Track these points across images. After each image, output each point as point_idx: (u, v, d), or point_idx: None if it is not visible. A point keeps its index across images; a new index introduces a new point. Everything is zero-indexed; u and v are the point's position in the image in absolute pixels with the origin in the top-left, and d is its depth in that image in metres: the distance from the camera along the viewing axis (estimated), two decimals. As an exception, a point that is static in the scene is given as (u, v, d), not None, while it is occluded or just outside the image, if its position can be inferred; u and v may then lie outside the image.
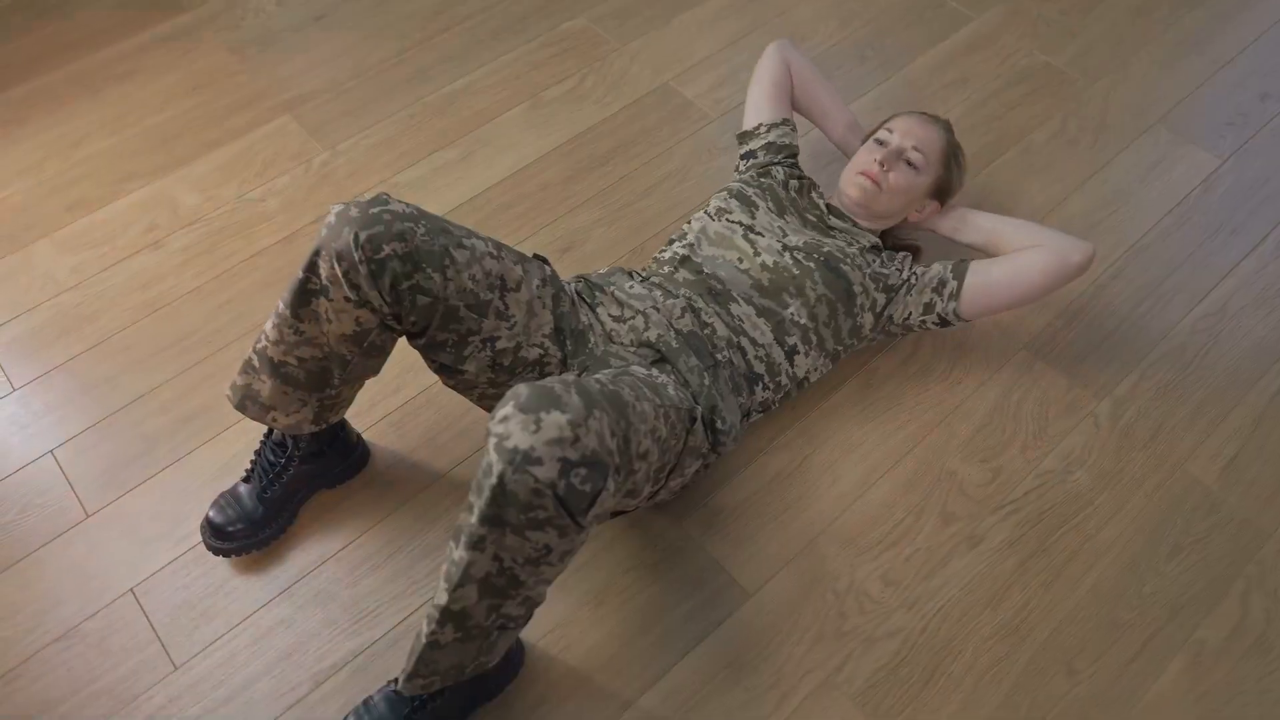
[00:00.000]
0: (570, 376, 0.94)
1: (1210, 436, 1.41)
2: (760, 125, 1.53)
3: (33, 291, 1.58)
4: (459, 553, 0.92)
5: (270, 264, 1.61)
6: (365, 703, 1.12)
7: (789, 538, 1.32)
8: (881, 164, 1.37)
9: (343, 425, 1.31)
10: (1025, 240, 1.36)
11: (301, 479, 1.28)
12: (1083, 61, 1.93)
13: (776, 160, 1.49)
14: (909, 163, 1.37)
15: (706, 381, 1.19)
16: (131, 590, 1.27)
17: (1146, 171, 1.75)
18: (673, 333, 1.22)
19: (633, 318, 1.24)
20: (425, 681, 1.01)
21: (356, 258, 1.02)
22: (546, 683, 1.19)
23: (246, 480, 1.27)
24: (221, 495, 1.28)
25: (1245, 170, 1.75)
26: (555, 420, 0.86)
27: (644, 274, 1.34)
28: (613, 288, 1.28)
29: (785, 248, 1.34)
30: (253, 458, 1.29)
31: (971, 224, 1.44)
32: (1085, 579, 1.28)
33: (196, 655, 1.22)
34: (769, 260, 1.32)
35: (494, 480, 0.87)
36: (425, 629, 0.98)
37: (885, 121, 1.46)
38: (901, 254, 1.41)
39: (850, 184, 1.40)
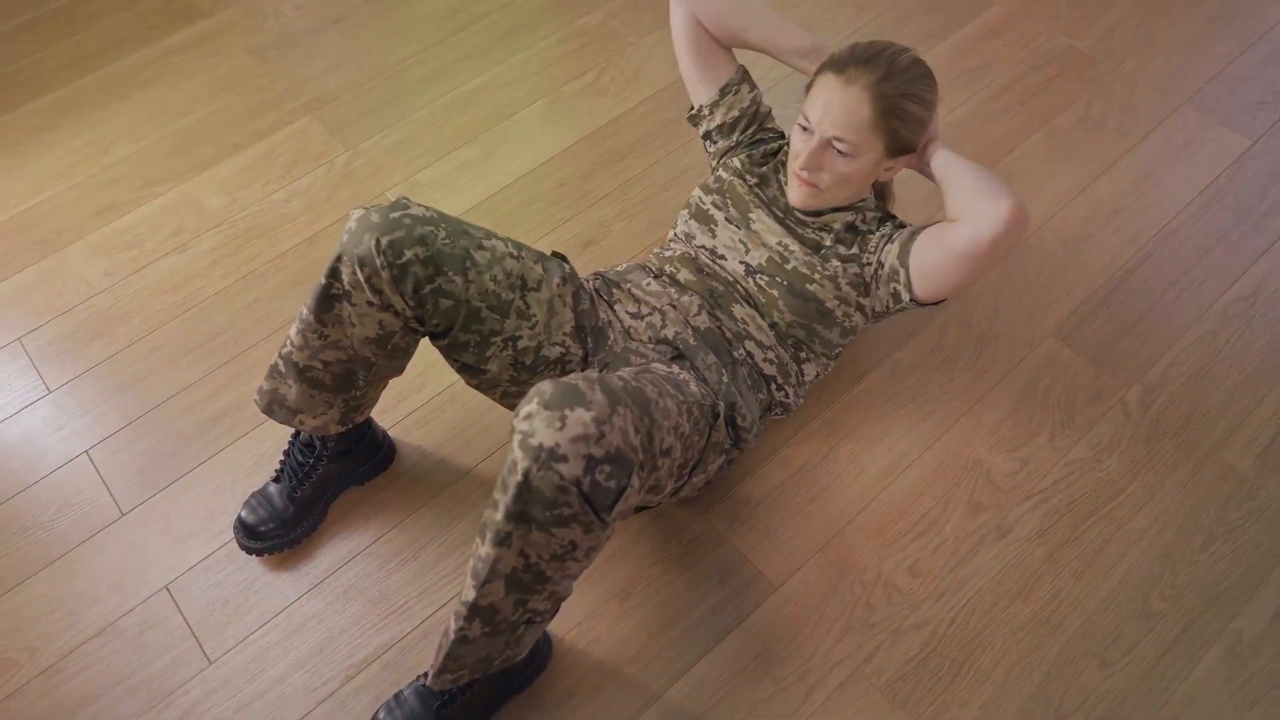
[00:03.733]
0: (594, 373, 0.94)
1: (1244, 422, 1.39)
2: (701, 108, 1.37)
3: (66, 295, 1.61)
4: (485, 549, 0.93)
5: (295, 264, 1.63)
6: (396, 697, 1.13)
7: (815, 529, 1.31)
8: (808, 168, 1.19)
9: (369, 423, 1.33)
10: (954, 206, 1.14)
11: (330, 477, 1.30)
12: (1107, 43, 1.90)
13: (734, 142, 1.36)
14: (839, 152, 1.17)
15: (725, 379, 1.19)
16: (166, 587, 1.29)
17: (1175, 154, 1.71)
18: (690, 330, 1.22)
19: (650, 314, 1.24)
20: (454, 676, 1.02)
21: (379, 263, 1.03)
22: (575, 675, 1.20)
23: (276, 480, 1.29)
24: (253, 495, 1.30)
25: (1277, 151, 1.71)
26: (580, 417, 0.87)
27: (657, 270, 1.33)
28: (629, 285, 1.28)
29: (748, 270, 1.26)
30: (282, 458, 1.31)
31: (936, 175, 1.21)
32: (1117, 568, 1.27)
33: (230, 650, 1.24)
34: (740, 285, 1.27)
35: (519, 477, 0.88)
36: (453, 625, 0.99)
37: (813, 80, 1.21)
38: (880, 231, 1.25)
39: (791, 188, 1.24)
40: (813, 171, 1.20)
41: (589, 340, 1.22)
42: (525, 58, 1.94)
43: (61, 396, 1.49)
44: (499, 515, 0.90)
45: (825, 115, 1.16)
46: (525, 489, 0.88)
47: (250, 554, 1.28)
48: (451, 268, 1.06)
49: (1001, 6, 1.98)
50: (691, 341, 1.21)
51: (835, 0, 2.01)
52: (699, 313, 1.25)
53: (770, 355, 1.27)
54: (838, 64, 1.17)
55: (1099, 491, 1.33)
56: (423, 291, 1.06)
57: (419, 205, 1.09)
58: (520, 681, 1.17)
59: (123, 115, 1.87)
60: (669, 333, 1.22)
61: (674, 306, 1.25)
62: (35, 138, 1.83)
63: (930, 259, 1.16)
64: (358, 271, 1.05)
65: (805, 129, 1.19)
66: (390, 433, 1.43)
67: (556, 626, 1.24)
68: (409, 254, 1.04)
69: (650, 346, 1.22)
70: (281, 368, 1.16)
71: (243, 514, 1.28)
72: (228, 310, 1.58)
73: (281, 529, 1.27)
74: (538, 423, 0.87)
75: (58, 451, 1.43)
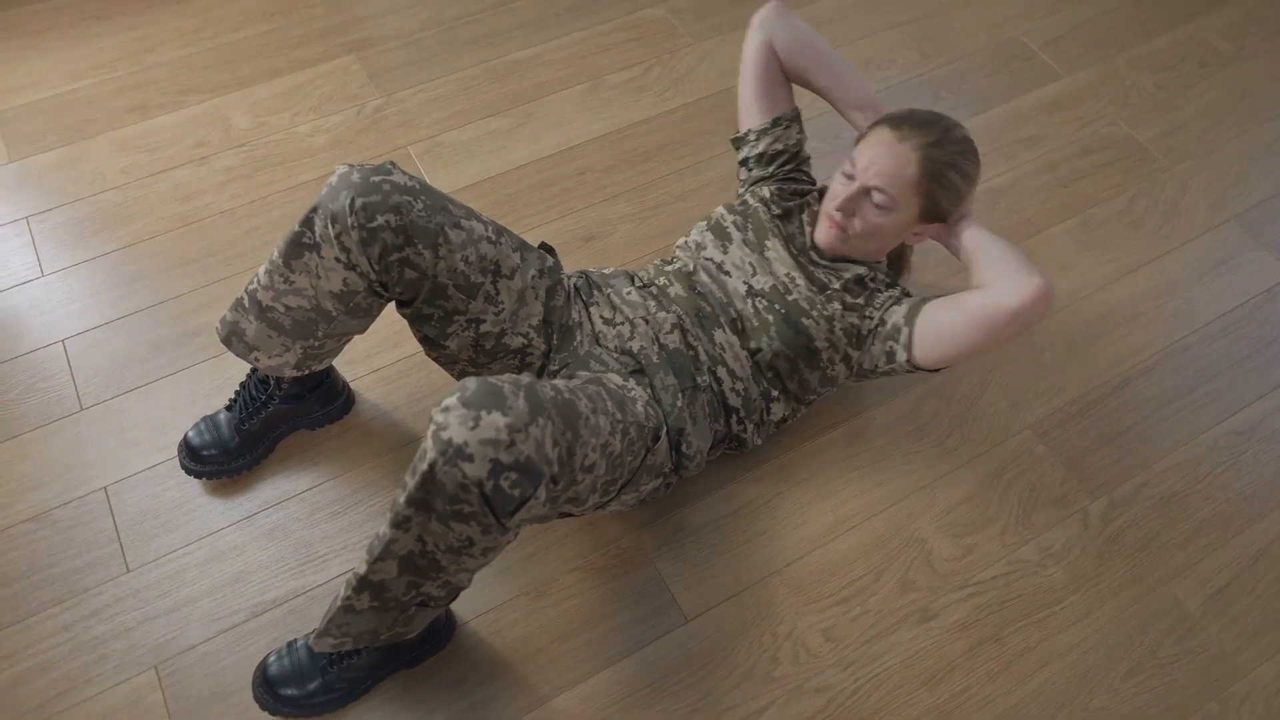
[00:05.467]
0: (527, 379, 0.94)
1: (1204, 560, 1.35)
2: (749, 133, 1.38)
3: (81, 184, 1.64)
4: (384, 528, 0.93)
5: (303, 199, 1.64)
6: (289, 644, 1.15)
7: (741, 571, 1.30)
8: (842, 210, 1.21)
9: (329, 372, 1.34)
10: (980, 277, 1.17)
11: (280, 417, 1.31)
12: (1169, 140, 1.83)
13: (769, 173, 1.37)
14: (875, 204, 1.19)
15: (680, 403, 1.18)
16: (105, 488, 1.32)
17: (1208, 269, 1.65)
18: (656, 347, 1.21)
19: (621, 324, 1.23)
20: (336, 641, 1.03)
21: (349, 222, 1.03)
22: (469, 662, 1.21)
23: (229, 408, 1.31)
24: (204, 419, 1.32)
25: (1315, 287, 1.64)
26: (494, 421, 0.86)
27: (645, 280, 1.32)
28: (610, 290, 1.27)
29: (750, 292, 1.25)
30: (237, 388, 1.32)
31: (964, 247, 1.23)
32: (1034, 678, 1.24)
33: (150, 563, 1.26)
34: (736, 305, 1.25)
35: (425, 467, 0.88)
36: (342, 592, 1.00)
37: (866, 133, 1.24)
38: (888, 293, 1.27)
39: (819, 227, 1.26)
40: (846, 215, 1.22)
41: (554, 336, 1.21)
42: (578, 38, 1.92)
43: (54, 282, 1.52)
44: (402, 499, 0.91)
45: (872, 164, 1.19)
46: (430, 479, 0.88)
47: (189, 475, 1.30)
48: (422, 240, 1.06)
49: (1069, 82, 1.92)
50: (654, 359, 1.20)
51: (901, 42, 1.97)
52: (671, 331, 1.23)
53: (739, 387, 1.26)
54: (894, 120, 1.21)
55: (1036, 597, 1.30)
56: (389, 259, 1.06)
57: (404, 173, 1.08)
58: (414, 656, 1.18)
59: (174, 19, 1.89)
60: (634, 345, 1.21)
61: (646, 320, 1.24)
62: (86, 25, 1.86)
63: (940, 321, 1.17)
64: (329, 226, 1.05)
65: (848, 175, 1.22)
66: (353, 385, 1.44)
67: (462, 610, 1.25)
68: (380, 219, 1.04)
69: (614, 355, 1.21)
70: (245, 302, 1.17)
71: (189, 434, 1.30)
72: (229, 232, 1.60)
73: (223, 457, 1.29)
74: (452, 418, 0.87)
75: (36, 335, 1.46)
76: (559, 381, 0.99)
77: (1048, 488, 1.40)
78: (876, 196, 1.19)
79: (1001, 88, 1.90)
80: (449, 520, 0.90)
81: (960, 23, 2.02)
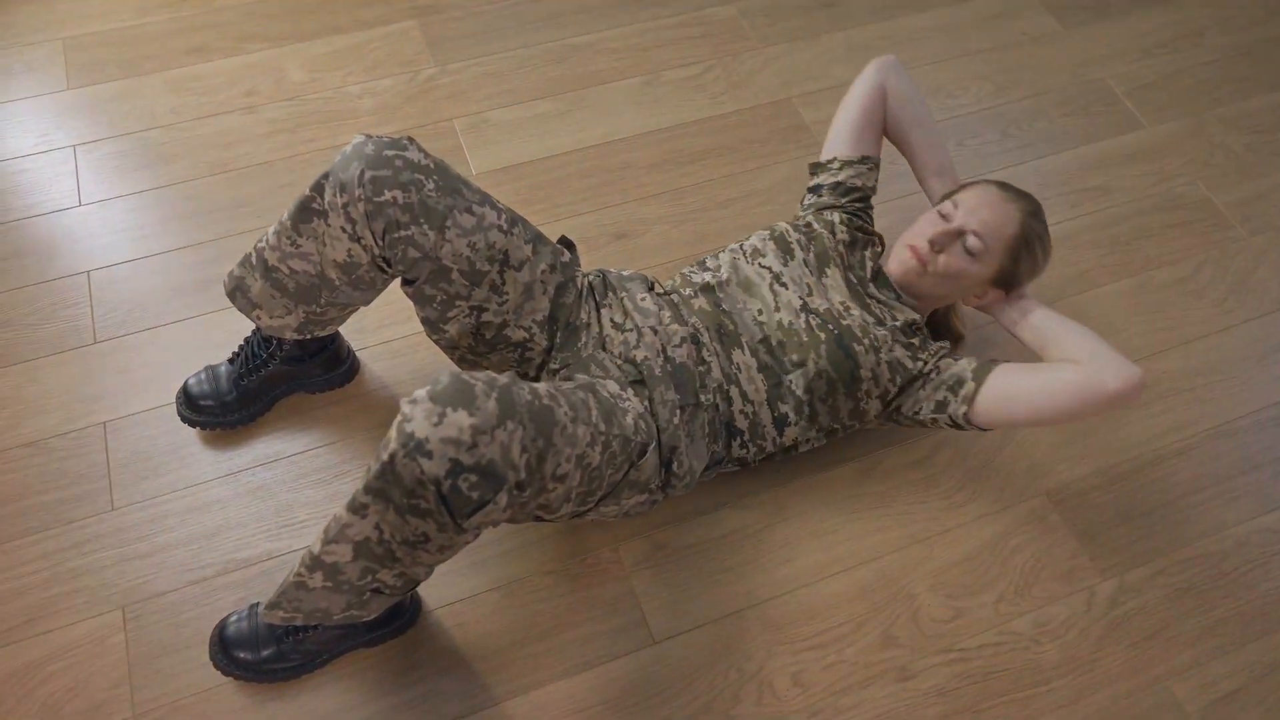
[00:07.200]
0: (505, 379, 0.91)
1: (1213, 661, 1.26)
2: (834, 160, 1.38)
3: (131, 119, 1.66)
4: (341, 511, 0.92)
5: (342, 161, 1.64)
6: (252, 607, 1.15)
7: (718, 600, 1.26)
8: (933, 244, 1.21)
9: (334, 338, 1.33)
10: (1070, 351, 1.17)
11: (280, 378, 1.31)
12: (1249, 208, 1.72)
13: (840, 203, 1.36)
14: (966, 248, 1.21)
15: (677, 420, 1.14)
16: (104, 424, 1.33)
17: (1270, 351, 1.55)
18: (661, 359, 1.17)
19: (630, 331, 1.19)
20: (286, 615, 1.02)
21: (357, 194, 1.01)
22: (427, 651, 1.19)
23: (231, 361, 1.31)
24: (206, 368, 1.32)
25: (1386, 386, 1.52)
26: (457, 420, 0.84)
27: (665, 289, 1.28)
28: (625, 294, 1.24)
29: (805, 308, 1.23)
30: (241, 343, 1.32)
31: (1030, 322, 1.24)
32: (1006, 759, 1.17)
33: (134, 504, 1.27)
34: (785, 319, 1.22)
35: (386, 456, 0.86)
36: (295, 567, 0.98)
37: (961, 187, 1.28)
38: (938, 344, 1.27)
39: (895, 256, 1.27)
40: (934, 250, 1.22)
41: (558, 334, 1.18)
42: (640, 29, 1.88)
43: (89, 213, 1.54)
44: (360, 485, 0.89)
45: (976, 211, 1.22)
46: (389, 470, 0.86)
47: (184, 423, 1.31)
48: (429, 221, 1.04)
49: (1151, 133, 1.81)
50: (657, 371, 1.16)
51: (978, 73, 1.88)
52: (681, 344, 1.19)
53: (749, 410, 1.21)
54: (1000, 184, 1.26)
55: (1023, 674, 1.23)
56: (393, 235, 1.04)
57: (420, 151, 1.06)
58: (374, 637, 1.16)
59: (247, -35, 1.90)
60: (638, 355, 1.17)
61: (655, 330, 1.20)
62: (161, -38, 1.88)
63: (1021, 385, 1.16)
64: (338, 195, 1.04)
65: (944, 216, 1.24)
66: (360, 354, 1.43)
67: (429, 598, 1.23)
68: (388, 195, 1.02)
69: (617, 362, 1.18)
70: (253, 259, 1.16)
71: (189, 382, 1.30)
72: (266, 184, 1.60)
73: (219, 410, 1.30)
74: (418, 411, 0.84)
75: (65, 263, 1.49)
76: (542, 385, 0.96)
77: (1055, 560, 1.32)
78: (971, 241, 1.20)
79: (1077, 131, 1.80)
80: (405, 513, 0.88)
81: (1044, 57, 1.92)
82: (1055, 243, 1.65)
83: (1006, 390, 1.17)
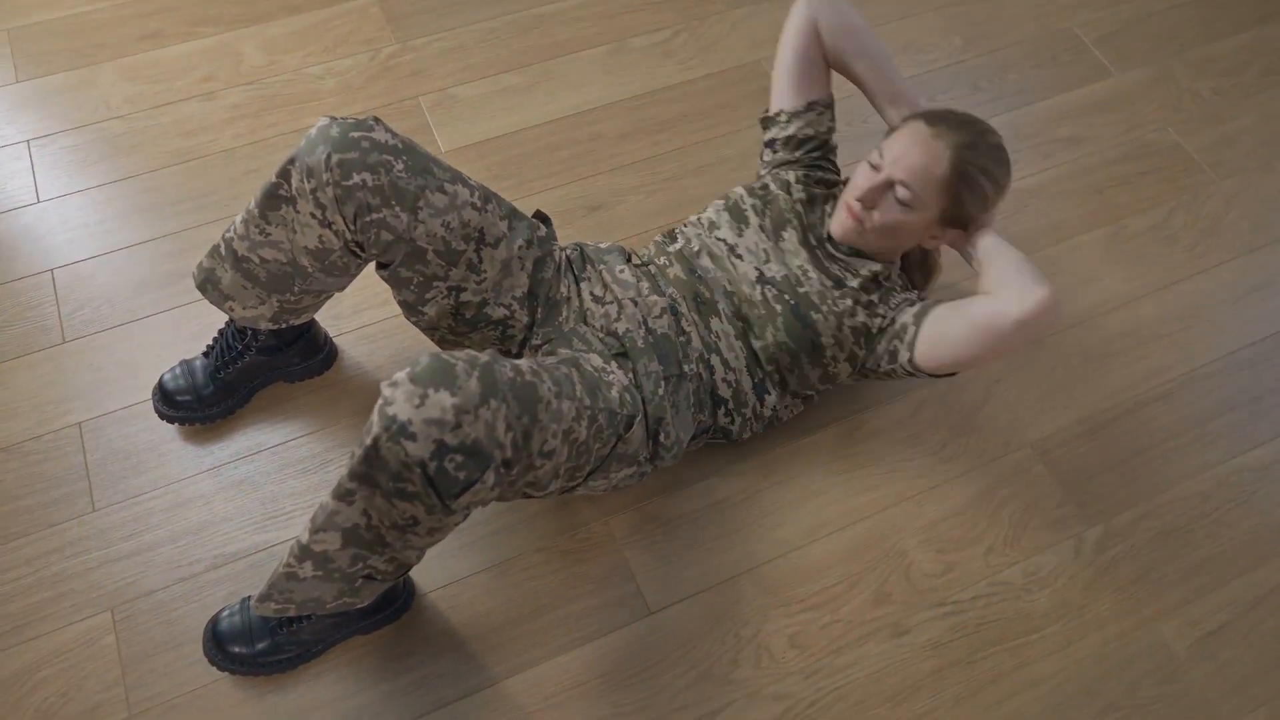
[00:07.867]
0: (486, 357, 0.89)
1: (1198, 600, 1.28)
2: (781, 113, 1.31)
3: (84, 111, 1.62)
4: (327, 499, 0.91)
5: (307, 144, 1.60)
6: (244, 601, 1.13)
7: (711, 567, 1.26)
8: (863, 201, 1.16)
9: (310, 326, 1.31)
10: (990, 281, 1.12)
11: (257, 368, 1.29)
12: (1219, 152, 1.73)
13: (795, 158, 1.31)
14: (898, 199, 1.15)
15: (662, 391, 1.13)
16: (79, 424, 1.31)
17: (1243, 294, 1.56)
18: (643, 331, 1.16)
19: (610, 304, 1.18)
20: (279, 606, 1.01)
21: (325, 178, 0.99)
22: (422, 635, 1.19)
23: (206, 355, 1.29)
24: (181, 362, 1.30)
25: (1357, 322, 1.54)
26: (440, 401, 0.83)
27: (642, 259, 1.27)
28: (603, 266, 1.22)
29: (761, 278, 1.20)
30: (215, 335, 1.30)
31: (977, 254, 1.18)
32: (1001, 707, 1.19)
33: (116, 504, 1.25)
34: (744, 290, 1.20)
35: (369, 441, 0.85)
36: (285, 558, 0.97)
37: (895, 129, 1.20)
38: (903, 295, 1.23)
39: (836, 218, 1.22)
40: (865, 207, 1.17)
41: (539, 310, 1.17)
42: (605, -3, 1.85)
43: (48, 209, 1.50)
44: (345, 472, 0.88)
45: (901, 158, 1.14)
46: (374, 454, 0.85)
47: (162, 420, 1.28)
48: (400, 203, 1.02)
49: (1120, 80, 1.81)
50: (640, 344, 1.15)
51: (944, 25, 1.87)
52: (661, 315, 1.18)
53: (731, 378, 1.21)
54: (930, 117, 1.17)
55: (1015, 623, 1.25)
56: (365, 219, 1.02)
57: (388, 131, 1.04)
58: (369, 623, 1.16)
59: (196, -54, 1.84)
60: (620, 327, 1.16)
61: (635, 302, 1.19)
62: (106, -54, 1.82)
63: (945, 324, 1.13)
64: (305, 181, 1.01)
65: (874, 166, 1.17)
66: (337, 340, 1.41)
67: (422, 581, 1.22)
68: (357, 178, 1.00)
69: (599, 336, 1.17)
70: (222, 250, 1.14)
71: (165, 378, 1.28)
72: (229, 172, 1.56)
73: (197, 404, 1.28)
74: (400, 393, 0.83)
75: (27, 262, 1.45)
76: (524, 362, 0.95)
77: (1042, 510, 1.34)
78: (900, 192, 1.14)
79: (1046, 82, 1.80)
80: (393, 498, 0.87)
81: (1011, 9, 1.91)
82: (1028, 194, 1.65)
83: (935, 331, 1.13)
